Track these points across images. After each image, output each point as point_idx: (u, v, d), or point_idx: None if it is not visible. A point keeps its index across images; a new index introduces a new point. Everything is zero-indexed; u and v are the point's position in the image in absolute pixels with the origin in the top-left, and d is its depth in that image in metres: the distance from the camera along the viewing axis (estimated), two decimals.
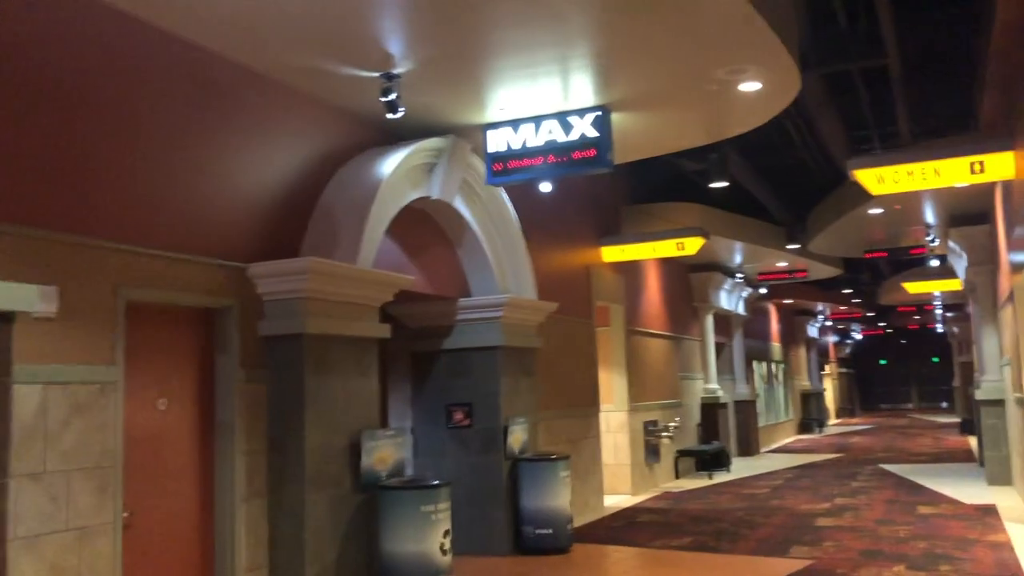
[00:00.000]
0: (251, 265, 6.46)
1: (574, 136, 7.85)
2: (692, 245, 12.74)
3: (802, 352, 30.60)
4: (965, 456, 19.24)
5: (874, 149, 12.76)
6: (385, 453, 7.08)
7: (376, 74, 6.87)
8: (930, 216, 14.14)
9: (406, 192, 7.80)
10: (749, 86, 7.37)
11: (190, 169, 6.12)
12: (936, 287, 19.38)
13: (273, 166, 6.89)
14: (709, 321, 18.15)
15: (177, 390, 6.15)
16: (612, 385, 13.53)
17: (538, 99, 7.64)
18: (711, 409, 17.80)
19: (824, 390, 34.58)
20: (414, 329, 9.38)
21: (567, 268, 11.94)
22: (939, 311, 28.35)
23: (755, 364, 23.46)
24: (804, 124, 11.56)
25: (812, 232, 15.33)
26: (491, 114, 7.97)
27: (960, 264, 15.58)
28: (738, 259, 17.72)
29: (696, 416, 17.46)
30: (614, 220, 13.73)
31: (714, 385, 18.11)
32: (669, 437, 15.12)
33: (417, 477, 7.76)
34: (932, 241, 14.57)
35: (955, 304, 27.15)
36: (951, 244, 14.79)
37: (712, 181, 11.18)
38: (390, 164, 7.40)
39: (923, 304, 27.87)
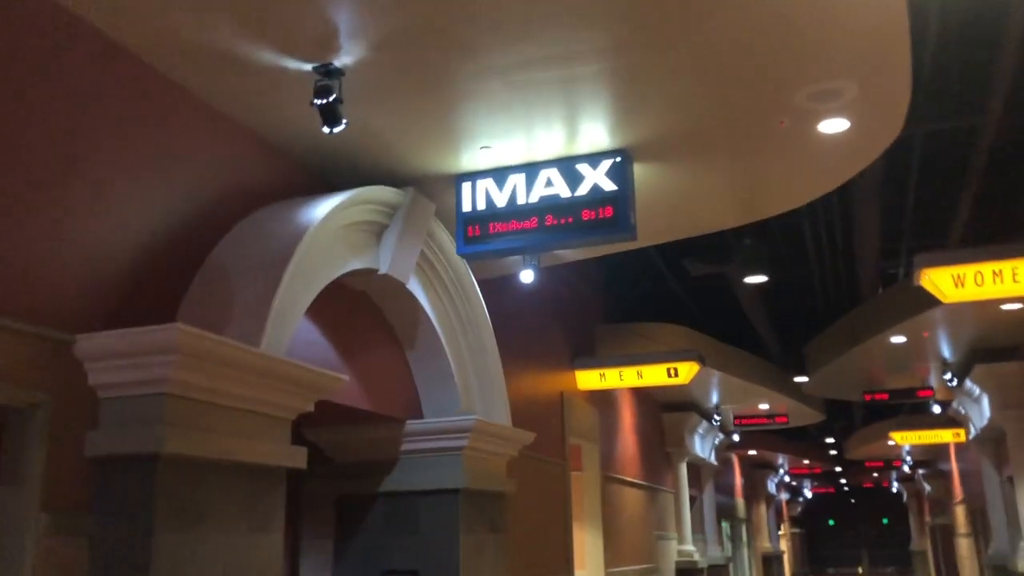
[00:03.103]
0: (82, 337, 3.91)
1: (583, 190, 5.62)
2: (687, 372, 10.46)
3: (763, 509, 28.10)
4: None
5: (899, 268, 10.86)
6: None
7: (308, 66, 4.60)
8: (947, 351, 12.21)
9: (341, 258, 5.41)
10: (833, 124, 5.28)
11: None
12: (932, 437, 17.34)
13: (142, 197, 4.46)
14: (683, 470, 15.70)
15: None
16: (585, 544, 10.85)
17: (534, 135, 5.45)
18: (687, 575, 15.09)
19: (783, 552, 31.93)
20: (341, 463, 6.75)
21: (538, 395, 9.52)
22: (907, 468, 26.37)
23: (722, 522, 20.88)
24: (829, 224, 9.58)
25: (814, 365, 13.20)
26: (466, 157, 5.73)
27: (975, 409, 13.58)
28: (715, 398, 15.48)
29: None
30: (588, 340, 11.43)
31: (690, 547, 15.45)
32: None
33: None
34: (951, 380, 12.57)
35: (924, 460, 25.27)
36: (968, 384, 12.82)
37: (747, 274, 9.03)
38: (321, 210, 5.03)
39: (892, 460, 25.92)
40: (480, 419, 6.59)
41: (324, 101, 4.55)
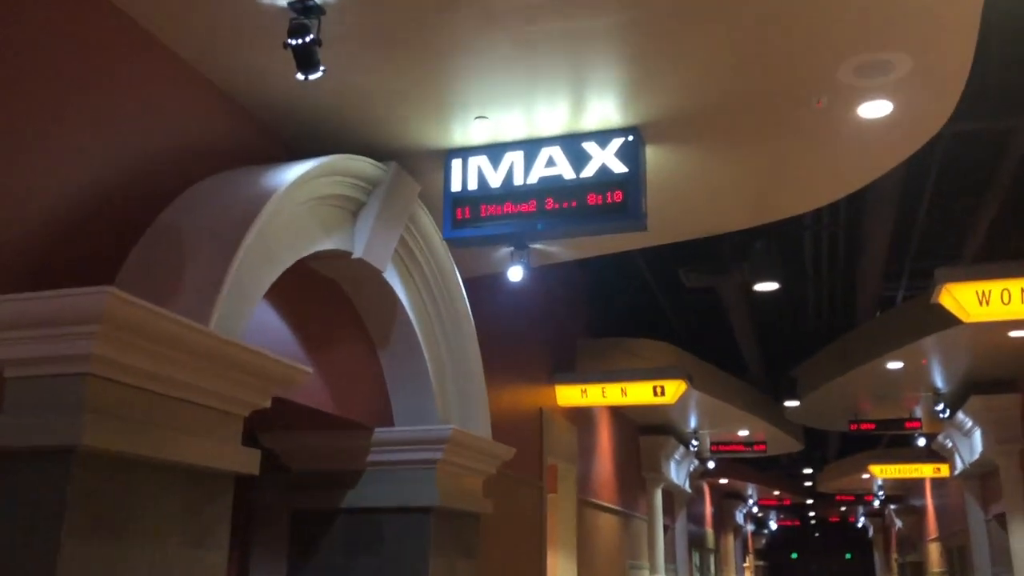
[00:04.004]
0: None
1: (589, 171, 4.97)
2: (674, 391, 9.82)
3: (730, 541, 27.49)
4: None
5: (898, 291, 10.31)
6: None
7: (283, 0, 3.91)
8: (941, 380, 11.70)
9: (310, 235, 4.70)
10: (875, 107, 4.69)
11: None
12: (913, 471, 16.82)
13: (80, 145, 3.75)
14: (658, 497, 15.02)
15: None
16: (558, 573, 10.12)
17: (536, 107, 4.80)
18: None
19: None
20: (299, 473, 6.00)
21: (515, 409, 8.83)
22: (878, 502, 25.91)
23: (693, 552, 20.21)
24: (833, 236, 8.99)
25: (805, 388, 12.59)
26: (458, 130, 5.06)
27: (964, 443, 13.07)
28: (694, 422, 14.87)
29: None
30: (569, 353, 10.76)
31: None
32: None
33: None
34: (942, 412, 12.04)
35: (897, 495, 24.84)
36: (960, 417, 12.32)
37: (758, 280, 8.42)
38: (290, 175, 4.33)
39: (864, 494, 25.45)
40: (458, 429, 5.88)
41: (300, 41, 3.87)
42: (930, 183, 7.94)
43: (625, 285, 9.55)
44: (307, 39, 3.87)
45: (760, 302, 11.32)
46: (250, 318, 4.13)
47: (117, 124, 3.99)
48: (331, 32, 4.02)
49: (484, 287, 7.69)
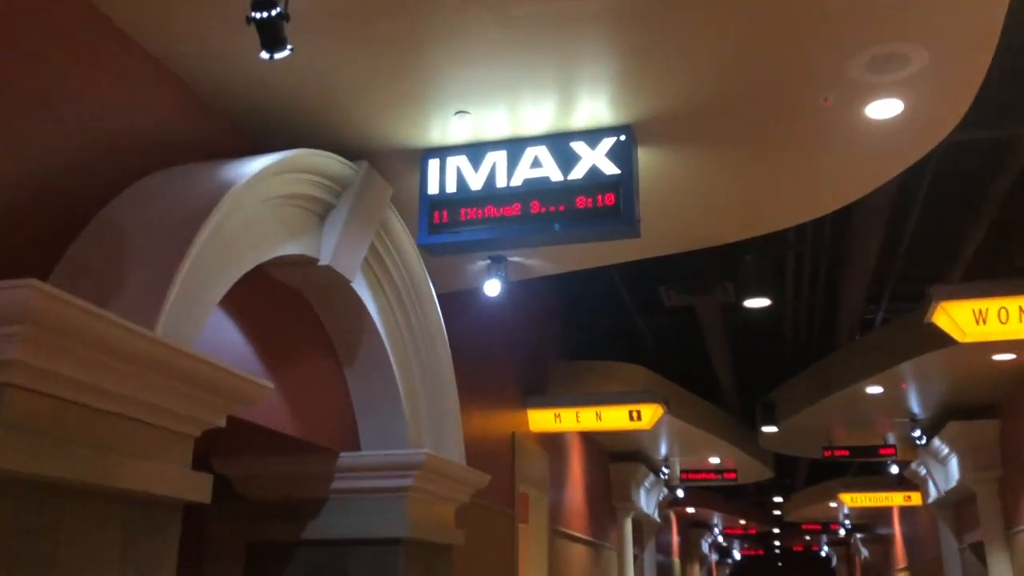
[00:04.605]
0: None
1: (578, 173, 4.60)
2: (650, 416, 9.45)
3: (696, 570, 27.10)
4: None
5: (877, 313, 10.05)
6: None
7: None
8: (918, 406, 11.47)
9: (272, 237, 4.27)
10: (884, 107, 4.38)
11: None
12: (883, 500, 16.58)
13: (15, 129, 3.29)
14: (628, 527, 14.60)
15: None
16: None
17: (521, 102, 4.43)
18: None
19: None
20: (255, 501, 5.51)
21: (487, 434, 8.40)
22: (843, 531, 25.70)
23: None
24: (816, 255, 8.71)
25: (782, 415, 12.24)
26: (436, 127, 4.66)
27: (939, 471, 12.85)
28: (664, 449, 14.50)
29: None
30: (542, 376, 10.35)
31: None
32: None
33: None
34: (919, 438, 11.80)
35: (863, 524, 24.66)
36: (936, 444, 12.09)
37: (749, 295, 8.07)
38: (251, 168, 3.90)
39: (830, 522, 25.23)
40: (432, 454, 5.44)
41: (265, 15, 3.45)
42: (920, 196, 7.64)
43: (599, 304, 9.17)
44: (273, 12, 3.46)
45: (737, 323, 11.01)
46: (203, 326, 3.69)
47: (58, 110, 3.53)
48: (297, 11, 3.63)
49: (455, 303, 7.28)
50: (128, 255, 3.42)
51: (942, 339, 7.13)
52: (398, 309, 5.56)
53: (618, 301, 10.31)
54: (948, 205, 7.69)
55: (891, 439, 13.61)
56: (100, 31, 3.83)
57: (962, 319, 6.31)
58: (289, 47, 3.56)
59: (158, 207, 3.67)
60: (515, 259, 6.22)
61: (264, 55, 3.55)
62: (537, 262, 6.32)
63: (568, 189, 4.56)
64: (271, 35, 3.51)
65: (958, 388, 10.35)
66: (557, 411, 9.49)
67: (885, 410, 11.42)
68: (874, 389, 10.28)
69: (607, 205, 4.48)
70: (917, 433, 11.74)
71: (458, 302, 7.32)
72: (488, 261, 6.18)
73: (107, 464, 3.00)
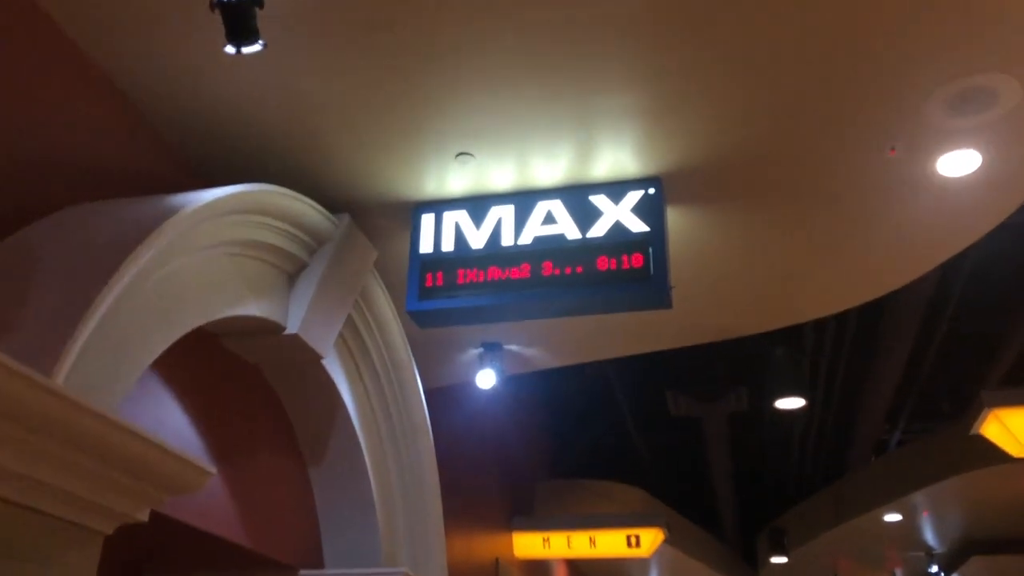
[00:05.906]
0: None
1: (599, 230, 3.88)
2: (650, 542, 8.46)
3: None
4: None
5: (893, 433, 9.26)
6: None
7: None
8: (936, 538, 10.55)
9: (230, 292, 3.48)
10: (959, 160, 3.74)
11: None
12: None
13: None
14: None
15: None
16: None
17: (531, 146, 3.76)
18: None
19: None
20: None
21: (467, 559, 7.38)
22: None
23: None
24: (833, 361, 7.95)
25: (792, 544, 11.20)
26: (434, 174, 3.96)
27: None
28: None
29: None
30: (528, 495, 9.37)
31: None
32: None
33: None
34: (936, 574, 10.81)
35: None
36: None
37: (781, 395, 7.22)
38: (199, 199, 3.15)
39: None
40: (410, 573, 4.49)
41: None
42: (955, 292, 6.81)
43: (591, 412, 8.34)
44: None
45: (744, 438, 10.15)
46: (130, 389, 2.85)
47: None
48: (274, 19, 2.98)
49: (435, 403, 6.43)
50: (36, 283, 2.62)
51: (985, 455, 6.35)
52: (376, 399, 4.71)
53: (614, 410, 9.46)
54: (988, 300, 6.95)
55: (898, 575, 12.59)
56: (50, 38, 3.14)
57: (1019, 429, 5.55)
58: (261, 42, 2.88)
59: (85, 233, 2.89)
60: (511, 347, 5.44)
61: (230, 49, 2.87)
62: (536, 352, 5.54)
63: (587, 248, 3.84)
64: (238, 24, 2.83)
65: (981, 518, 9.48)
66: (546, 535, 8.47)
67: (901, 541, 10.47)
68: (892, 517, 9.37)
69: (634, 268, 3.75)
70: (934, 568, 10.76)
71: (439, 402, 6.47)
72: (481, 349, 5.41)
73: None
